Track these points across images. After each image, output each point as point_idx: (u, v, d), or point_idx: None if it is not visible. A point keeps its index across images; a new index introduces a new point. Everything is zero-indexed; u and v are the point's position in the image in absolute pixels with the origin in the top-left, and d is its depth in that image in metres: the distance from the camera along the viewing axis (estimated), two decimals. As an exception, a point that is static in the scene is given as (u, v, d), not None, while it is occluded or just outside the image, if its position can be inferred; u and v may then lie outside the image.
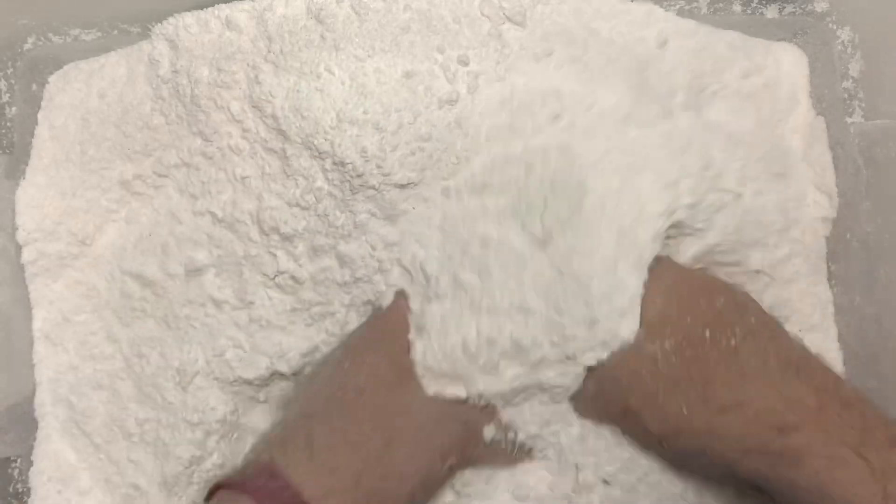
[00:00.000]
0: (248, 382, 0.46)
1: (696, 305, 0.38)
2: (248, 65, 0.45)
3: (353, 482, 0.36)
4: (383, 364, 0.40)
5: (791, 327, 0.47)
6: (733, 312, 0.39)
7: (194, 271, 0.46)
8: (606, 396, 0.40)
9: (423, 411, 0.39)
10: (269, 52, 0.45)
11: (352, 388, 0.39)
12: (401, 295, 0.42)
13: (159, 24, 0.47)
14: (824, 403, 0.34)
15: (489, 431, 0.41)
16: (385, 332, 0.42)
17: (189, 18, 0.46)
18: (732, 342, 0.37)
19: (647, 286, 0.39)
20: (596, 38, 0.45)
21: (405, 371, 0.40)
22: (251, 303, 0.45)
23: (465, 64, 0.44)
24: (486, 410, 0.41)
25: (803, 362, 0.37)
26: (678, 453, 0.39)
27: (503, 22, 0.45)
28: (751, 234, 0.44)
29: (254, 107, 0.45)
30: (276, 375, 0.46)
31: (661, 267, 0.40)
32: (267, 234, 0.45)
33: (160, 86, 0.47)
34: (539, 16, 0.45)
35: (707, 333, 0.37)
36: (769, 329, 0.39)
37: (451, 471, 0.41)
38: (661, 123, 0.44)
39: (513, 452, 0.42)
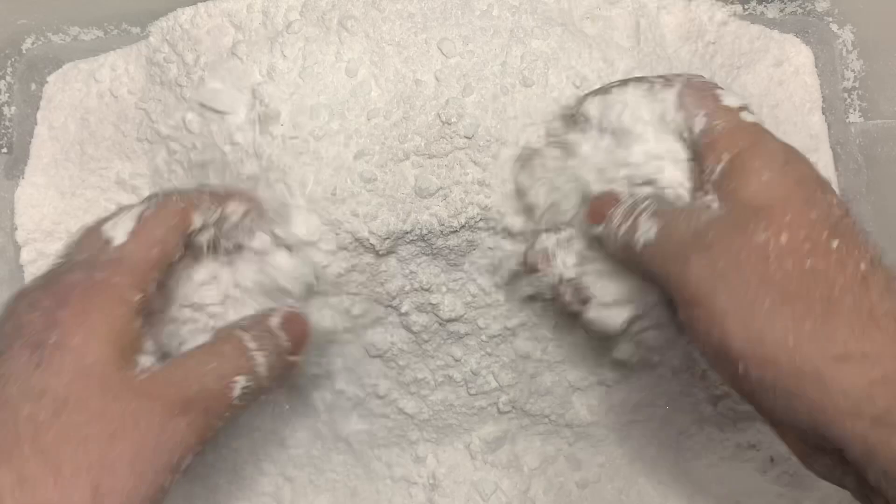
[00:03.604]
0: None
1: (817, 199, 0.30)
2: (251, 60, 0.45)
3: None
4: (96, 345, 0.28)
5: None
6: (853, 227, 0.30)
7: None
8: (670, 270, 0.31)
9: (146, 415, 0.28)
10: (272, 46, 0.44)
11: (49, 400, 0.27)
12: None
13: (157, 21, 0.46)
14: None
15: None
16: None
17: (188, 14, 0.46)
18: (862, 267, 0.28)
19: (742, 149, 0.31)
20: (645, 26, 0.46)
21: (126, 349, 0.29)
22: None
23: None
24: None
25: None
26: (757, 384, 0.29)
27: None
28: None
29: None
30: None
31: (754, 131, 0.32)
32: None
33: (157, 85, 0.47)
34: None
35: (834, 244, 0.28)
36: (885, 265, 0.30)
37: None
38: None
39: None
